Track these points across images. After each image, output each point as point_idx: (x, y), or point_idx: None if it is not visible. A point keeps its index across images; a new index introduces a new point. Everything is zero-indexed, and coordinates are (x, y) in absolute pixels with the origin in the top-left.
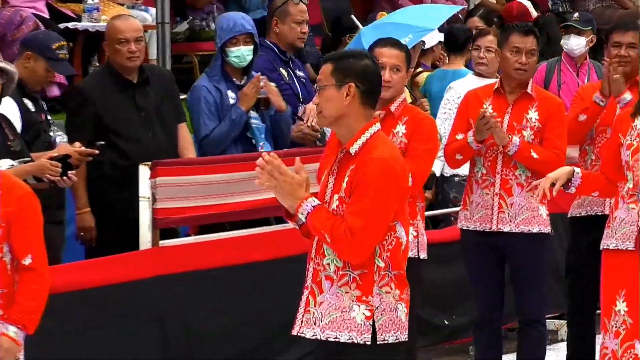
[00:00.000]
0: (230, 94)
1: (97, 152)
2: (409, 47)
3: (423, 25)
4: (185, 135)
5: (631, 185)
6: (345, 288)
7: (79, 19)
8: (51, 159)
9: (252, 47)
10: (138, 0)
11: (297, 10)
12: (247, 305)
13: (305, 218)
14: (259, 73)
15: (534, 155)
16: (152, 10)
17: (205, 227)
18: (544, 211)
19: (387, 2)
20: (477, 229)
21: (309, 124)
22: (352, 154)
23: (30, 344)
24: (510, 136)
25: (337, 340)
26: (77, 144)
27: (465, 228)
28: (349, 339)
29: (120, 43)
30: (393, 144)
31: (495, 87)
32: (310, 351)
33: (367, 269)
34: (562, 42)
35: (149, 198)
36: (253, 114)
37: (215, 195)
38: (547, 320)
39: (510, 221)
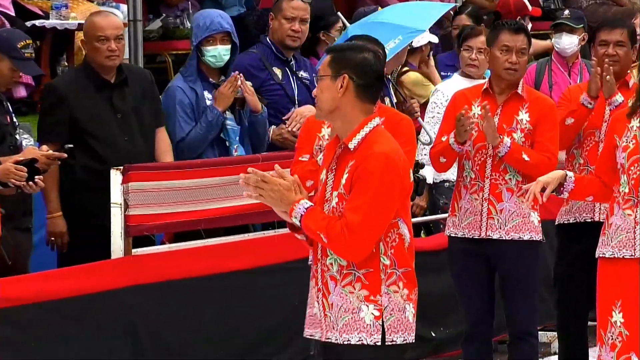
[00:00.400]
0: (207, 95)
1: (65, 155)
2: (399, 50)
3: (413, 26)
4: (164, 140)
5: (627, 190)
6: (349, 288)
7: (46, 17)
8: (17, 163)
9: (229, 46)
10: None
11: (289, 6)
12: (223, 316)
13: (300, 221)
14: (237, 72)
15: (525, 157)
16: (124, 7)
17: (181, 234)
18: (535, 217)
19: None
20: (466, 236)
21: (289, 129)
22: (352, 149)
23: None
24: (501, 137)
25: (348, 342)
26: (45, 147)
27: (453, 235)
28: (359, 340)
29: (99, 40)
30: (393, 138)
31: (484, 87)
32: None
33: (372, 267)
34: (552, 40)
35: (120, 204)
36: (228, 114)
37: (191, 201)
38: (539, 332)
39: (500, 228)
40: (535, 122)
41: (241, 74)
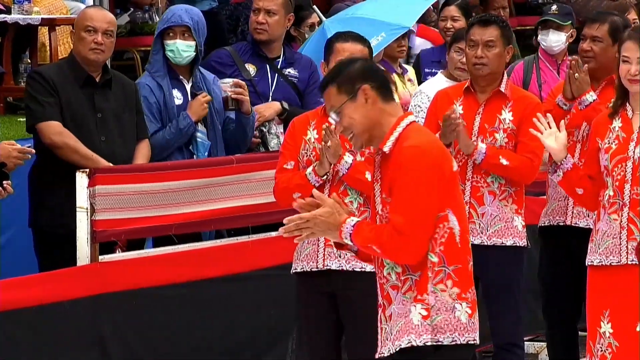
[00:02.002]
0: (175, 93)
1: (33, 151)
2: (382, 47)
3: (397, 22)
4: (143, 153)
5: (612, 192)
6: (410, 294)
7: (8, 11)
8: None
9: (191, 42)
10: None
11: None
12: (195, 325)
13: (351, 241)
14: (204, 92)
15: (504, 162)
16: (89, 1)
17: (137, 241)
18: (519, 222)
19: None
20: None
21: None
22: (387, 152)
23: None
24: (475, 143)
25: (399, 347)
26: (13, 142)
27: None
28: (409, 342)
29: (87, 31)
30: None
31: (466, 86)
32: None
33: (423, 267)
34: (539, 38)
35: (87, 209)
36: (200, 127)
37: (162, 205)
38: (527, 343)
39: (482, 233)
40: (519, 121)
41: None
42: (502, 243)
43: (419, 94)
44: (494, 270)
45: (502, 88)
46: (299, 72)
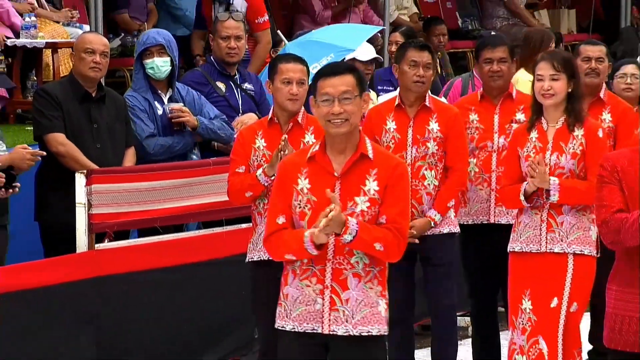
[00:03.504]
0: (157, 105)
1: (44, 153)
2: None
3: (344, 45)
4: (130, 159)
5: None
6: (370, 284)
7: (17, 36)
8: None
9: (167, 58)
10: (73, 17)
11: (222, 27)
12: (180, 305)
13: (354, 237)
14: (181, 104)
15: (449, 204)
16: (86, 27)
17: (124, 232)
18: (452, 213)
19: (308, 20)
20: None
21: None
22: (371, 157)
23: None
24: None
25: (369, 334)
26: (26, 145)
27: None
28: (379, 332)
29: (86, 52)
30: None
31: (396, 102)
32: (238, 347)
33: (382, 265)
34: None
35: (85, 204)
36: (195, 149)
37: (148, 201)
38: (457, 318)
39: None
40: (445, 131)
41: (179, 104)
42: (440, 231)
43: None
44: (434, 253)
45: (427, 102)
46: (253, 86)
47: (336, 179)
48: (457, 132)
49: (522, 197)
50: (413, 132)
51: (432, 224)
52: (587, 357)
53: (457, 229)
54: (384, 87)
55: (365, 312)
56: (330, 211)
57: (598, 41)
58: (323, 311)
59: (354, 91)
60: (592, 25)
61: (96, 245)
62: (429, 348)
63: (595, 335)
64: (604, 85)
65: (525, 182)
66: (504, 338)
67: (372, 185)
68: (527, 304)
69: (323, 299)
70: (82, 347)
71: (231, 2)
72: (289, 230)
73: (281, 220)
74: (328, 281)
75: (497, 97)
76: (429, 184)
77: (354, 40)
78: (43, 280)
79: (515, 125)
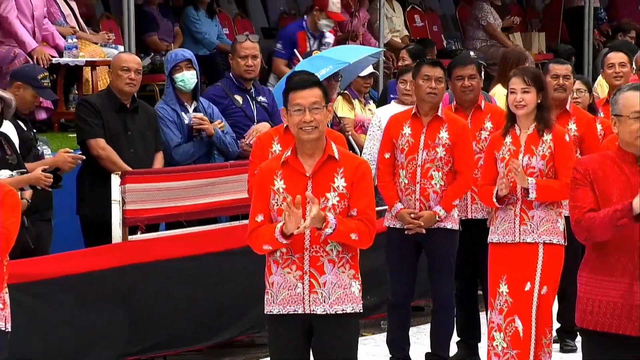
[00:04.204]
0: (183, 115)
1: (84, 157)
2: (328, 75)
3: (341, 59)
4: (159, 161)
5: (507, 191)
6: (342, 269)
7: (60, 55)
8: (44, 170)
9: (193, 72)
10: (109, 39)
11: (241, 47)
12: (201, 289)
13: (334, 229)
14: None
15: (454, 202)
16: (121, 48)
17: (154, 225)
18: (455, 212)
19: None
20: (397, 226)
21: (247, 142)
22: (337, 158)
23: (22, 321)
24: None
25: (344, 312)
26: (68, 149)
27: (392, 226)
28: (352, 309)
29: (123, 70)
30: None
31: (413, 112)
32: (252, 326)
33: (354, 251)
34: None
35: (119, 201)
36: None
37: (174, 198)
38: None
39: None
40: (454, 139)
41: (199, 113)
42: (444, 226)
43: (375, 115)
44: (437, 246)
45: (439, 113)
46: (267, 99)
47: (307, 178)
48: (465, 141)
49: (494, 199)
50: (425, 137)
51: (437, 218)
52: (555, 335)
53: (457, 226)
54: (395, 96)
55: (339, 293)
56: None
57: (565, 60)
58: (303, 294)
59: (322, 102)
60: (559, 45)
61: (129, 237)
62: (419, 325)
63: (563, 316)
64: (569, 98)
65: (496, 188)
66: (483, 317)
67: (340, 182)
68: (503, 288)
69: (303, 284)
70: (116, 324)
71: (324, 36)
72: (265, 225)
73: (260, 218)
74: (307, 267)
75: (468, 109)
76: (435, 184)
77: (350, 56)
78: (82, 267)
79: (484, 133)
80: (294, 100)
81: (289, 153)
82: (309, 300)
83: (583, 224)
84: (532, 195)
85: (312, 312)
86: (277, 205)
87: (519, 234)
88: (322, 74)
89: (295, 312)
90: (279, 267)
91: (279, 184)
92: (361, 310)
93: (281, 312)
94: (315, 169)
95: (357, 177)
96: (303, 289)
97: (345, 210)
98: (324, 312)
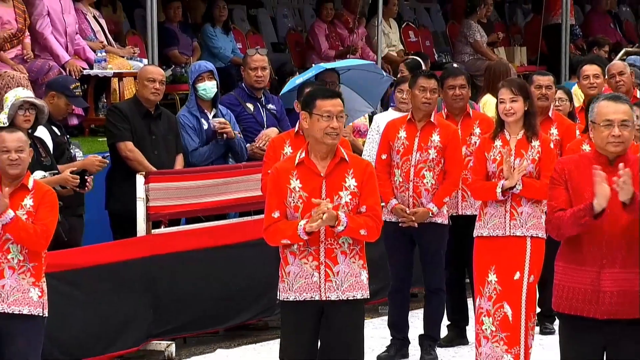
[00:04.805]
0: (203, 121)
1: (107, 161)
2: (310, 74)
3: (342, 65)
4: (180, 162)
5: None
6: (353, 259)
7: (91, 68)
8: (72, 172)
9: (214, 82)
10: (135, 53)
11: (251, 60)
12: (218, 277)
13: (345, 227)
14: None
15: (444, 200)
16: (145, 61)
17: (176, 220)
18: (444, 209)
19: (316, 56)
20: (393, 220)
21: (257, 145)
22: (348, 160)
23: (58, 307)
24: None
25: (354, 298)
26: (96, 155)
27: (387, 220)
28: (362, 296)
29: (148, 80)
30: None
31: (408, 117)
32: (263, 310)
33: (362, 244)
34: None
35: (143, 198)
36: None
37: (193, 196)
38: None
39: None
40: (445, 142)
41: (222, 118)
42: (435, 221)
43: (374, 121)
44: (428, 239)
45: (432, 119)
46: (275, 106)
47: (322, 178)
48: (455, 144)
49: (499, 191)
50: (419, 140)
51: (430, 214)
52: (535, 318)
53: (447, 221)
54: (393, 104)
55: (351, 281)
56: (323, 210)
57: (547, 72)
58: (320, 283)
59: (344, 111)
60: (539, 58)
61: (152, 231)
62: (413, 310)
63: (543, 301)
64: (552, 106)
65: (502, 181)
66: (470, 303)
67: (351, 182)
68: (492, 277)
69: (319, 273)
70: (142, 309)
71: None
72: (283, 221)
73: (276, 214)
74: (322, 258)
75: (458, 116)
76: (427, 182)
77: (350, 63)
78: (111, 258)
79: (474, 137)
80: (324, 107)
81: (303, 155)
82: (325, 288)
83: (553, 222)
84: (518, 188)
85: (327, 299)
86: (294, 202)
87: (509, 228)
88: (305, 76)
89: (312, 299)
90: (295, 258)
91: (295, 183)
92: (368, 296)
93: (297, 299)
94: (329, 170)
95: (365, 177)
96: (319, 277)
97: (355, 207)
98: (337, 299)
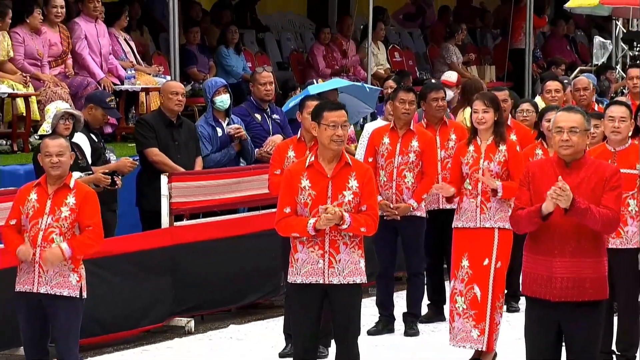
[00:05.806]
0: (218, 130)
1: (136, 163)
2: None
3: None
4: (199, 164)
5: (470, 187)
6: (353, 249)
7: (122, 83)
8: (104, 173)
9: (228, 95)
10: (159, 71)
11: (260, 76)
12: (231, 263)
13: (349, 225)
14: (236, 125)
15: (423, 196)
16: (168, 77)
17: (195, 214)
18: (423, 204)
19: (315, 73)
20: (383, 214)
21: (265, 150)
22: (351, 164)
23: (95, 289)
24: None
25: (354, 282)
26: (128, 157)
27: None
28: (361, 280)
29: (172, 94)
30: None
31: (391, 126)
32: (270, 292)
33: (360, 236)
34: None
35: (167, 195)
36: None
37: (210, 194)
38: None
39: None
40: (422, 147)
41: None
42: (414, 214)
43: (365, 129)
44: (408, 230)
45: (411, 127)
46: (279, 116)
47: (329, 179)
48: (431, 150)
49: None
50: (400, 146)
51: (411, 209)
52: (503, 299)
53: (425, 215)
54: (381, 115)
55: (351, 267)
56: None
57: (504, 87)
58: (324, 268)
59: (347, 121)
60: (506, 76)
61: (175, 223)
62: (397, 292)
63: (509, 284)
64: (510, 116)
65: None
66: (447, 285)
67: (353, 183)
68: (465, 262)
69: (324, 260)
70: (164, 291)
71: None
72: (294, 217)
73: (287, 210)
74: (327, 248)
75: (437, 125)
76: (408, 181)
77: (343, 83)
78: (140, 246)
79: (451, 142)
80: (330, 118)
81: (313, 158)
82: (328, 273)
83: (513, 219)
84: (500, 193)
85: (329, 283)
86: (304, 199)
87: (480, 220)
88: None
89: (317, 282)
90: (304, 247)
91: (305, 182)
92: (366, 281)
93: (304, 282)
94: (335, 172)
95: (366, 179)
96: (324, 264)
97: (357, 205)
98: (339, 282)
